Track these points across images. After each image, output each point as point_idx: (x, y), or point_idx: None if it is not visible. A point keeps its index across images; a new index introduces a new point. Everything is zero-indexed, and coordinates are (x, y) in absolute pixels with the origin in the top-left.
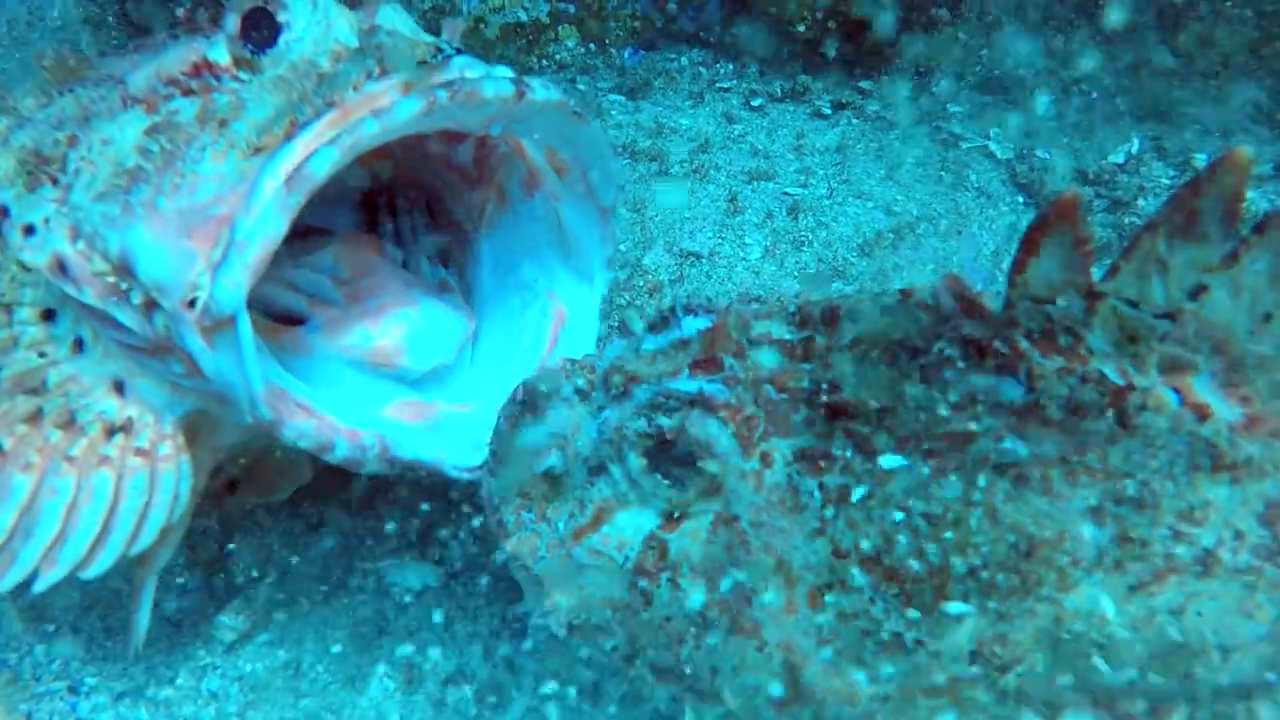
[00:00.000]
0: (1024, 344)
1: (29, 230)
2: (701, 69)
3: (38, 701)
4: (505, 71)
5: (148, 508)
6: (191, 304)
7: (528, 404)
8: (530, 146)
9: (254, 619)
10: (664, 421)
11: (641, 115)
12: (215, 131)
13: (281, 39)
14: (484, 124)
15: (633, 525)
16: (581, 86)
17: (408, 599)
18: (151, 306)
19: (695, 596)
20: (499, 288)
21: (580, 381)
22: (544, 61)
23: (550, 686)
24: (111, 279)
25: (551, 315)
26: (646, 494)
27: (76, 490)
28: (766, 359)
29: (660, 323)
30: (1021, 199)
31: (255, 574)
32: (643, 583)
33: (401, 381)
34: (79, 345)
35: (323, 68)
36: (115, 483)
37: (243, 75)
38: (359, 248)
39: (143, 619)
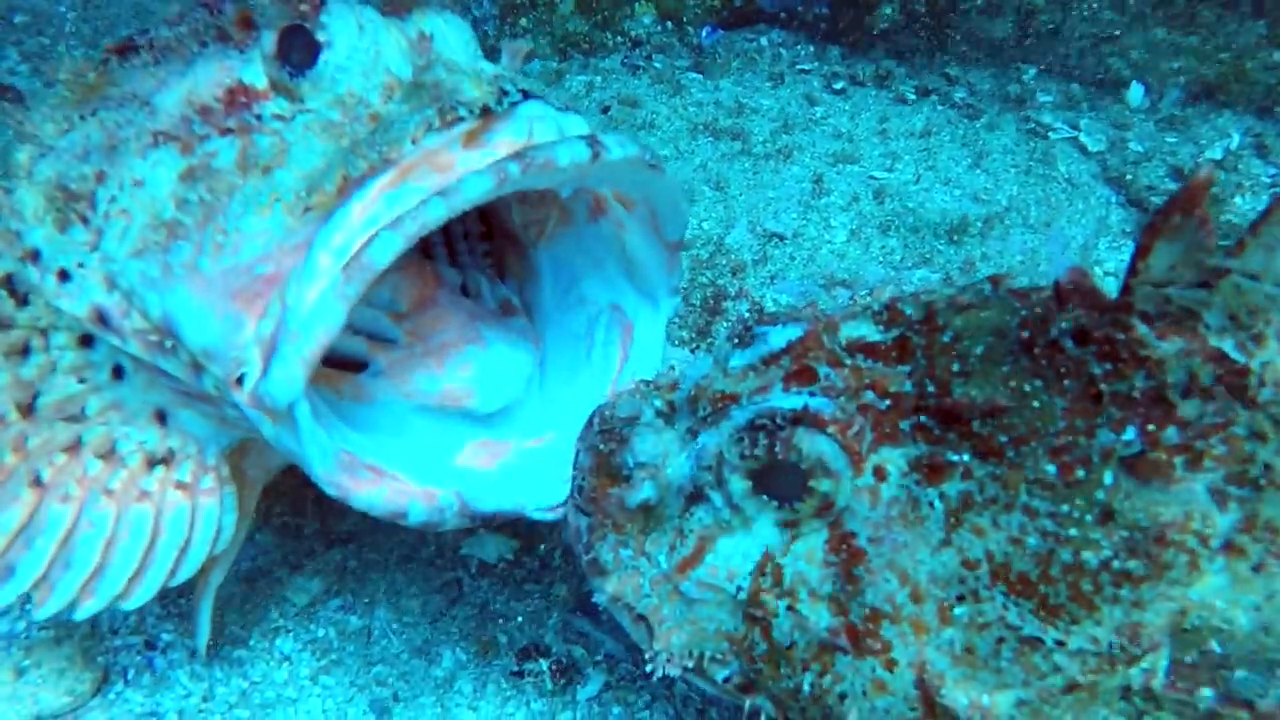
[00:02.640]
0: (1141, 328)
1: (64, 276)
2: (781, 50)
3: (114, 655)
4: (578, 125)
5: (188, 543)
6: (240, 381)
7: (609, 433)
8: None
9: (328, 583)
10: (770, 443)
11: (722, 94)
12: (259, 180)
13: (321, 58)
14: (556, 186)
15: (739, 552)
16: (658, 64)
17: (483, 570)
18: (200, 368)
19: (818, 621)
20: (560, 305)
21: (659, 403)
22: (618, 38)
23: (625, 668)
24: (154, 338)
25: (619, 329)
26: (749, 517)
27: (115, 524)
28: (863, 364)
29: (744, 335)
30: (1112, 193)
31: (329, 538)
32: (759, 611)
33: (471, 418)
34: (118, 372)
35: (374, 106)
36: (154, 518)
37: (282, 106)
38: (416, 277)
39: (203, 630)
